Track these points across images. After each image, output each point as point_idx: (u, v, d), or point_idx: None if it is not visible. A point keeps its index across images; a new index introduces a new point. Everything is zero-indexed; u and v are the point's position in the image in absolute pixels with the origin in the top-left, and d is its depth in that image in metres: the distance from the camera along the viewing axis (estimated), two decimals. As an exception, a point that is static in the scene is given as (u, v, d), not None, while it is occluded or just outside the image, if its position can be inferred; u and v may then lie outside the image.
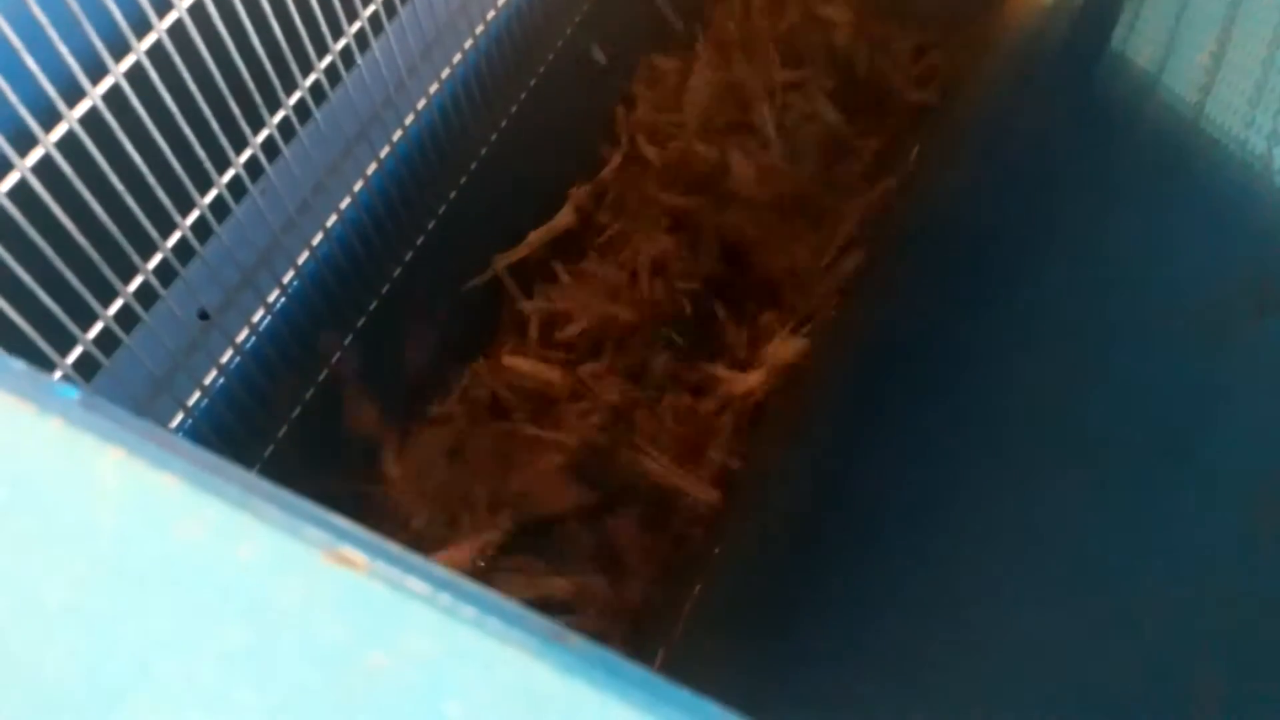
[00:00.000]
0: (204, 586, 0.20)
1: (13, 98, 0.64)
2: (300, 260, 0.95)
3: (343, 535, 0.20)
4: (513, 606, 0.20)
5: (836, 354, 1.19)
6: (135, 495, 0.21)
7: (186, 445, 0.22)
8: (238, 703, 0.19)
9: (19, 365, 0.24)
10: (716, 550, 1.12)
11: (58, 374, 0.73)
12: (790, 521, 1.03)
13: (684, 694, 0.20)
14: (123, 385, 0.79)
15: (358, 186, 1.00)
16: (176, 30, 0.74)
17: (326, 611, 0.20)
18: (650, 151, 1.43)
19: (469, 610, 0.20)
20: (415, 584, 0.20)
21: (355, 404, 1.07)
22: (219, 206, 0.84)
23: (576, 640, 0.20)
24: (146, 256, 0.78)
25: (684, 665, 1.01)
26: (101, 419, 0.22)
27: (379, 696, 0.19)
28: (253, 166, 0.86)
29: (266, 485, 0.21)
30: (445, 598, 0.20)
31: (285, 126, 0.89)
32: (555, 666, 0.19)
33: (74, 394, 0.23)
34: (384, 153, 1.03)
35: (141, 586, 0.20)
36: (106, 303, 0.75)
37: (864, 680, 0.72)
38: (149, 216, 0.76)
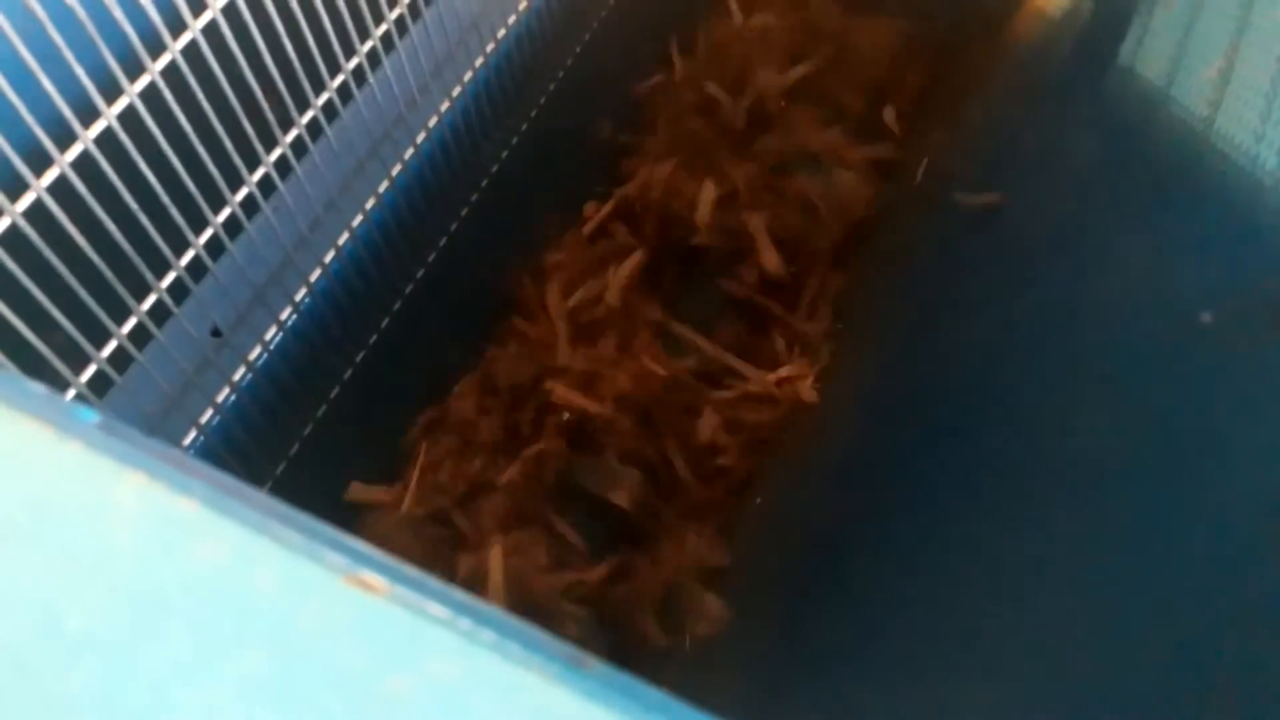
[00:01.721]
0: (223, 611, 0.20)
1: (28, 118, 0.64)
2: (313, 278, 0.96)
3: (362, 560, 0.20)
4: (532, 631, 0.20)
5: (848, 368, 1.19)
6: (155, 519, 0.21)
7: (206, 469, 0.22)
8: (257, 728, 0.19)
9: (39, 388, 0.24)
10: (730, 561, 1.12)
11: (71, 392, 0.74)
12: (804, 535, 1.02)
13: (702, 718, 0.20)
14: (136, 402, 0.80)
15: (370, 203, 1.00)
16: (190, 49, 0.75)
17: (346, 636, 0.20)
18: None
19: (489, 635, 0.20)
20: (435, 608, 0.20)
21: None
22: (232, 224, 0.84)
23: (595, 665, 0.20)
24: (160, 274, 0.78)
25: (699, 683, 1.00)
26: (121, 443, 0.22)
27: (398, 721, 0.19)
28: (266, 184, 0.87)
29: (286, 509, 0.21)
30: (465, 622, 0.20)
31: (298, 144, 0.89)
32: (574, 691, 0.19)
33: (94, 418, 0.23)
34: (396, 169, 1.03)
35: (161, 611, 0.20)
36: (120, 320, 0.76)
37: (881, 695, 0.72)
38: (162, 234, 0.76)
